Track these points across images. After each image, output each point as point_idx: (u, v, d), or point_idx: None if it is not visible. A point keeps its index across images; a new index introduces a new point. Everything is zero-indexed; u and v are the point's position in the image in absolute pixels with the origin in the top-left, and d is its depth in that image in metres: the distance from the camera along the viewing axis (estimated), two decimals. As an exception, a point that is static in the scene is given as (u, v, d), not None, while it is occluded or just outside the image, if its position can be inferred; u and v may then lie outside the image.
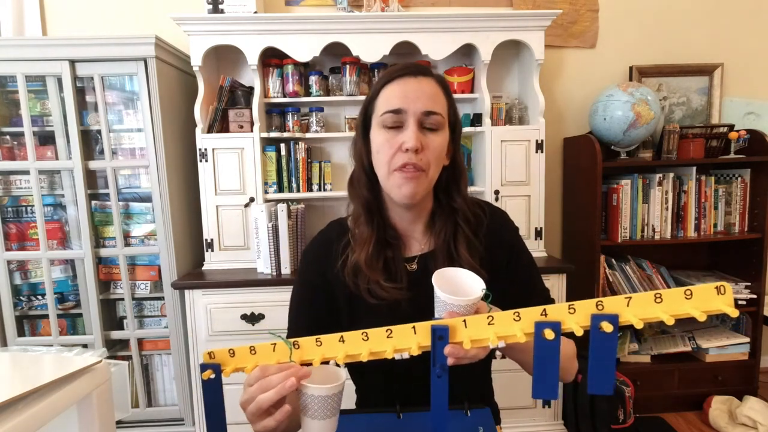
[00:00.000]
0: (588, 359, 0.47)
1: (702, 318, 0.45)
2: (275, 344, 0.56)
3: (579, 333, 0.46)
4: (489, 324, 0.49)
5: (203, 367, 0.56)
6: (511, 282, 0.83)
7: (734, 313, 0.44)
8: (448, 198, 0.83)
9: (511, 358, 0.75)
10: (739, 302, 2.06)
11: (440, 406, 0.50)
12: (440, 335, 0.50)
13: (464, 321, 0.49)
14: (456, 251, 0.79)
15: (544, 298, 0.85)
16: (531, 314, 0.48)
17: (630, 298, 0.47)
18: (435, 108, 0.74)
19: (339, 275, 0.81)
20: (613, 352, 0.47)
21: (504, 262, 0.83)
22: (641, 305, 0.47)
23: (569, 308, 0.47)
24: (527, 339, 0.48)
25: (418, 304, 0.75)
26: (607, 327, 0.45)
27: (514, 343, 0.50)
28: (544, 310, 0.48)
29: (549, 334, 0.46)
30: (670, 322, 0.46)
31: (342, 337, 0.53)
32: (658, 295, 0.46)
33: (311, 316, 0.84)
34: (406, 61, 0.80)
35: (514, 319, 0.48)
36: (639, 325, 0.47)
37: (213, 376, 0.56)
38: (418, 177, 0.74)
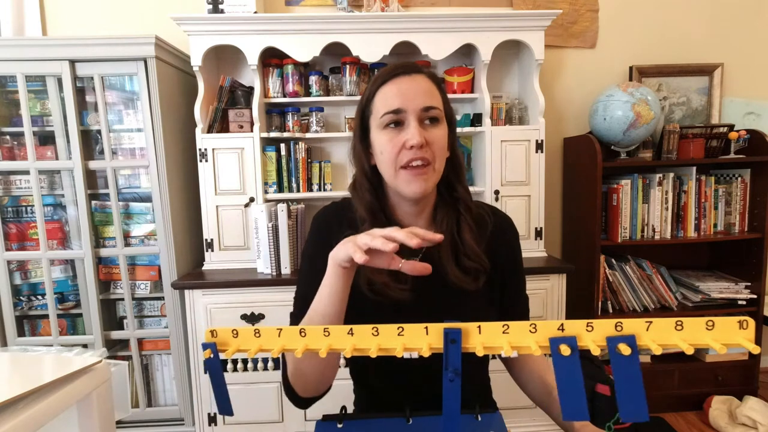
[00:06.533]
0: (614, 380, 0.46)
1: (722, 351, 0.45)
2: (281, 329, 0.56)
3: (596, 352, 0.46)
4: (504, 332, 0.48)
5: (204, 346, 0.56)
6: (507, 281, 0.87)
7: (755, 349, 0.44)
8: (449, 189, 0.85)
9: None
10: (739, 302, 2.07)
11: (452, 411, 0.49)
12: (453, 338, 0.49)
13: (479, 327, 0.48)
14: (460, 239, 0.81)
15: (526, 304, 0.92)
16: (547, 327, 0.48)
17: (651, 322, 0.47)
18: (433, 103, 0.76)
19: None
20: (638, 376, 0.45)
21: (505, 260, 0.86)
22: (661, 331, 0.47)
23: (587, 326, 0.47)
24: (541, 352, 0.47)
25: (419, 300, 0.77)
26: (624, 349, 0.45)
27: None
28: (562, 324, 0.47)
29: (565, 350, 0.46)
30: (690, 351, 0.46)
31: (351, 329, 0.52)
32: (679, 323, 0.46)
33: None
34: (395, 62, 0.81)
35: (530, 331, 0.48)
36: (657, 351, 0.46)
37: (212, 356, 0.56)
38: (425, 172, 0.75)
